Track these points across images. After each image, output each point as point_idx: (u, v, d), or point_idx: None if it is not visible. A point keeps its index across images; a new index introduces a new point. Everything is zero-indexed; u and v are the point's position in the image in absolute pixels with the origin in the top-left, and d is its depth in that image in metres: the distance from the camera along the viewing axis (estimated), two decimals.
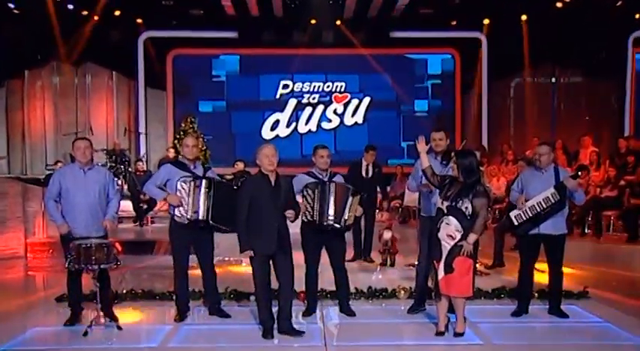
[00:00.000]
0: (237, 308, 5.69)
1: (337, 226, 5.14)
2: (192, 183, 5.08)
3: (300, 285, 5.42)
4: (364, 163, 8.06)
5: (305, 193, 5.18)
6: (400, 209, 11.37)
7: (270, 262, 4.79)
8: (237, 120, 15.08)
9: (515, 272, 5.69)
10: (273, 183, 4.73)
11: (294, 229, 5.13)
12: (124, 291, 6.04)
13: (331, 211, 5.10)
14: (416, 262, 5.62)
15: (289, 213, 4.68)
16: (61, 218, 5.09)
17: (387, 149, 13.86)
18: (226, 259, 7.80)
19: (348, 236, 5.85)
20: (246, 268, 6.26)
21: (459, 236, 4.59)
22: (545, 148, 5.39)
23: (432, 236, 4.71)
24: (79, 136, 6.00)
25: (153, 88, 14.89)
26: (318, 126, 15.27)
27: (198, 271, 5.44)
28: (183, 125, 13.33)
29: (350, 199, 5.15)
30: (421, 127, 14.86)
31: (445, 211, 4.62)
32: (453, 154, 4.89)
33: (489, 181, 10.16)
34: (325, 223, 5.12)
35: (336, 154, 14.03)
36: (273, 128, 15.19)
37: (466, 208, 4.60)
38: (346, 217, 5.15)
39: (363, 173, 7.98)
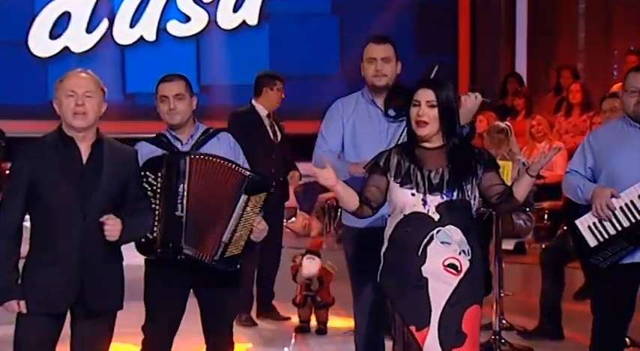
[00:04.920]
0: None
1: (199, 256, 5.28)
2: None
3: None
4: (262, 113, 8.48)
5: (144, 180, 5.38)
6: (337, 212, 11.65)
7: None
8: None
9: (585, 346, 5.86)
10: (85, 156, 4.84)
11: None
12: None
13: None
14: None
15: (107, 222, 4.73)
16: None
17: (307, 82, 14.35)
18: None
19: None
20: None
21: (467, 264, 4.81)
22: None
23: (405, 280, 4.87)
24: None
25: None
26: (160, 30, 15.32)
27: None
28: None
29: (241, 198, 5.30)
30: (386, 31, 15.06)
31: (437, 216, 4.84)
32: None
33: (529, 151, 10.63)
34: (170, 247, 5.26)
35: (202, 93, 14.40)
36: (56, 34, 15.17)
37: (475, 197, 4.92)
38: (226, 240, 5.31)
39: (270, 134, 8.47)
